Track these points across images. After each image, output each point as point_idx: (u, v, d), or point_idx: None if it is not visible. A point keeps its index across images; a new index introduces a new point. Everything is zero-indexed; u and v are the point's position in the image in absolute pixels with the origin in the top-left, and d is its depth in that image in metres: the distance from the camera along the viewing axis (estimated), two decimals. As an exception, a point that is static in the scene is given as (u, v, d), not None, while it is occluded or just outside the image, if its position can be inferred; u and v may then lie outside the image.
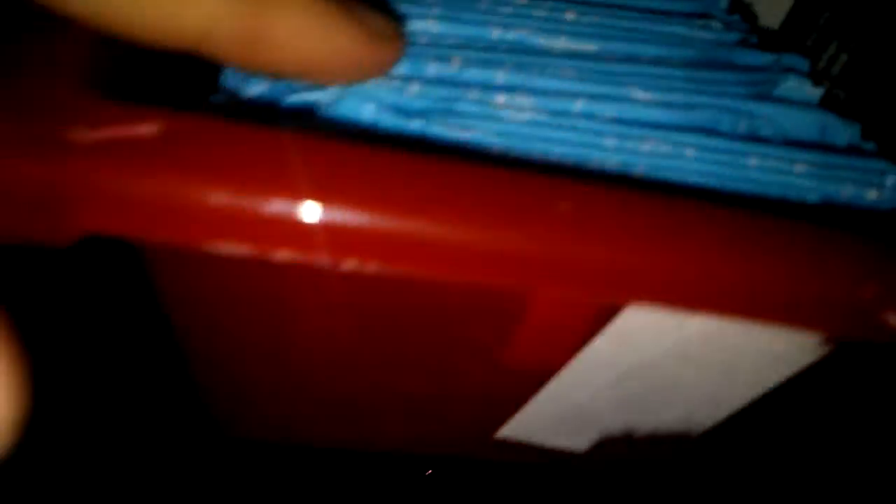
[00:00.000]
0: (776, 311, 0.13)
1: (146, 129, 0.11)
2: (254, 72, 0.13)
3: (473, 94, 0.16)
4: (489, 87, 0.16)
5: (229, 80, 0.16)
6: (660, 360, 0.18)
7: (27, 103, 0.11)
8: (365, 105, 0.15)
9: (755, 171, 0.16)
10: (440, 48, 0.17)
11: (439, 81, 0.16)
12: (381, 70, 0.15)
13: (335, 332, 0.17)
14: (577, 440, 0.23)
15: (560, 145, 0.15)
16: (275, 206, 0.11)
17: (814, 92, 0.19)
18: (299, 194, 0.11)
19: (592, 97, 0.17)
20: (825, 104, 0.19)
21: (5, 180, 0.11)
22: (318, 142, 0.12)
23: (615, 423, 0.22)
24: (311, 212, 0.11)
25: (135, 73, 0.14)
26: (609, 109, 0.17)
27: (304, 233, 0.11)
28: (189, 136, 0.11)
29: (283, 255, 0.11)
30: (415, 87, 0.16)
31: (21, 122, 0.11)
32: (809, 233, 0.13)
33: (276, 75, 0.13)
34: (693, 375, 0.19)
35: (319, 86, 0.15)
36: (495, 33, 0.18)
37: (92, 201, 0.11)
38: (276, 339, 0.17)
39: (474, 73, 0.16)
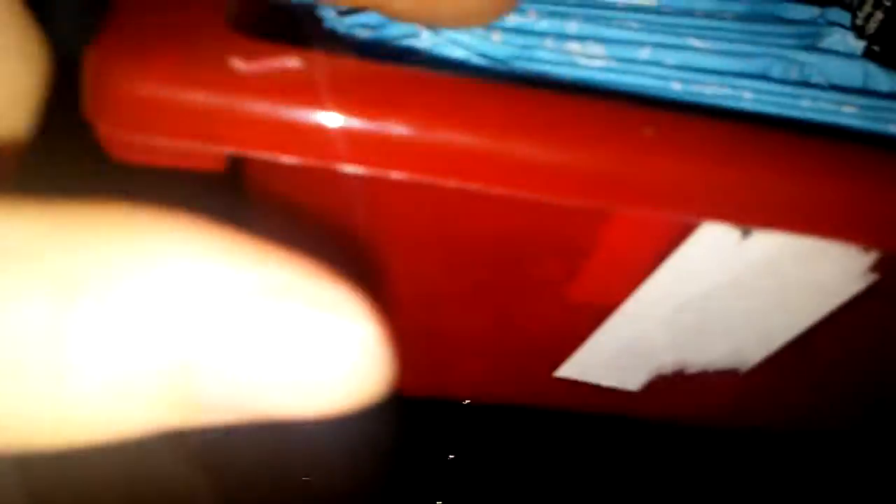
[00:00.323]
0: (834, 226, 0.14)
1: (287, 64, 0.13)
2: (417, 23, 0.15)
3: (549, 43, 0.17)
4: (562, 37, 0.18)
5: (341, 24, 0.17)
6: (716, 291, 0.19)
7: (186, 42, 0.13)
8: (456, 50, 0.16)
9: (808, 111, 0.18)
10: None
11: (518, 31, 0.18)
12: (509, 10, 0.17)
13: (420, 265, 0.19)
14: (632, 378, 0.24)
15: (632, 90, 0.17)
16: (396, 129, 0.13)
17: (857, 44, 0.20)
18: (415, 120, 0.13)
19: (656, 46, 0.18)
20: (866, 53, 0.20)
21: (171, 107, 0.12)
22: (429, 76, 0.13)
23: (668, 359, 0.23)
24: (428, 136, 0.13)
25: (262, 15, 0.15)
26: (672, 57, 0.18)
27: (421, 154, 0.13)
28: (321, 71, 0.13)
29: (395, 174, 0.13)
30: (497, 37, 0.17)
31: (183, 58, 0.12)
32: (862, 153, 0.15)
33: (432, 25, 0.15)
34: (746, 306, 0.20)
35: (417, 33, 0.16)
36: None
37: (245, 126, 0.12)
38: (369, 272, 0.19)
39: (549, 24, 0.18)
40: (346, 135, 0.13)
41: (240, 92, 0.12)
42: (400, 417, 0.24)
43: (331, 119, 0.12)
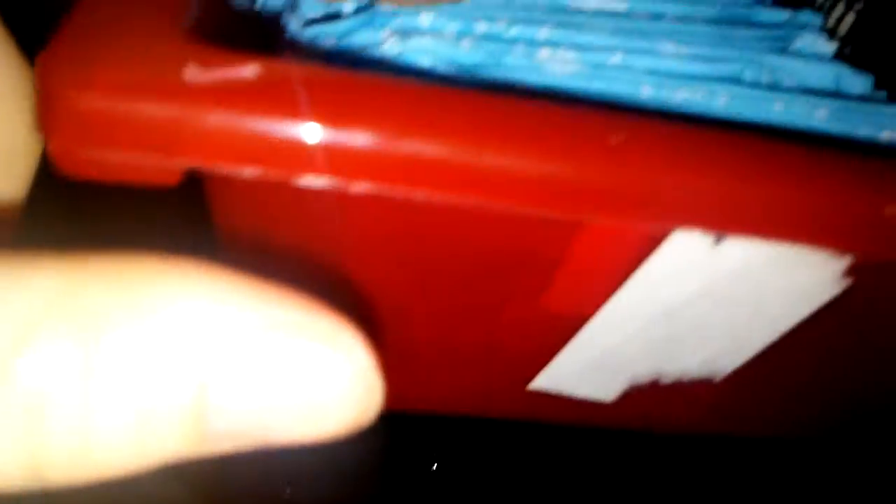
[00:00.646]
0: (807, 231, 0.14)
1: (246, 72, 0.12)
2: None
3: (520, 50, 0.17)
4: (533, 43, 0.17)
5: (305, 33, 0.17)
6: (689, 299, 0.19)
7: (139, 49, 0.12)
8: (423, 59, 0.16)
9: (780, 114, 0.17)
10: (486, 9, 0.18)
11: (488, 38, 0.17)
12: None
13: (390, 279, 0.18)
14: (606, 389, 0.24)
15: (603, 96, 0.17)
16: (359, 139, 0.12)
17: (828, 46, 0.20)
18: (379, 129, 0.12)
19: (628, 51, 0.18)
20: (838, 55, 0.20)
21: (122, 121, 0.12)
22: (393, 84, 0.13)
23: (642, 369, 0.23)
24: (388, 145, 0.13)
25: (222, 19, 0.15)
26: (643, 62, 0.18)
27: (385, 164, 0.13)
28: (283, 79, 0.12)
29: (361, 186, 0.13)
30: (466, 43, 0.17)
31: (134, 67, 0.12)
32: (836, 158, 0.15)
33: None
34: (720, 315, 0.20)
35: (383, 41, 0.16)
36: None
37: (201, 137, 0.12)
38: (339, 283, 0.19)
39: (519, 31, 0.17)
40: (306, 145, 0.12)
41: (194, 102, 0.12)
42: (379, 431, 0.23)
43: (290, 129, 0.12)
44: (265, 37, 0.18)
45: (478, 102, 0.13)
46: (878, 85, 0.20)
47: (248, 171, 0.12)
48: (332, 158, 0.12)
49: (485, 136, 0.13)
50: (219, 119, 0.12)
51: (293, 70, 0.12)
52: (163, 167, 0.12)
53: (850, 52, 0.23)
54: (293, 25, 0.17)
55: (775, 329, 0.19)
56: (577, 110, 0.13)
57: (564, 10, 0.19)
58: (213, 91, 0.12)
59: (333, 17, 0.18)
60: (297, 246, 0.17)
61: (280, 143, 0.12)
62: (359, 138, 0.12)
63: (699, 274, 0.18)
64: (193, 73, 0.12)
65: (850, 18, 0.23)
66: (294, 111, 0.12)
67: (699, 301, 0.19)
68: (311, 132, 0.12)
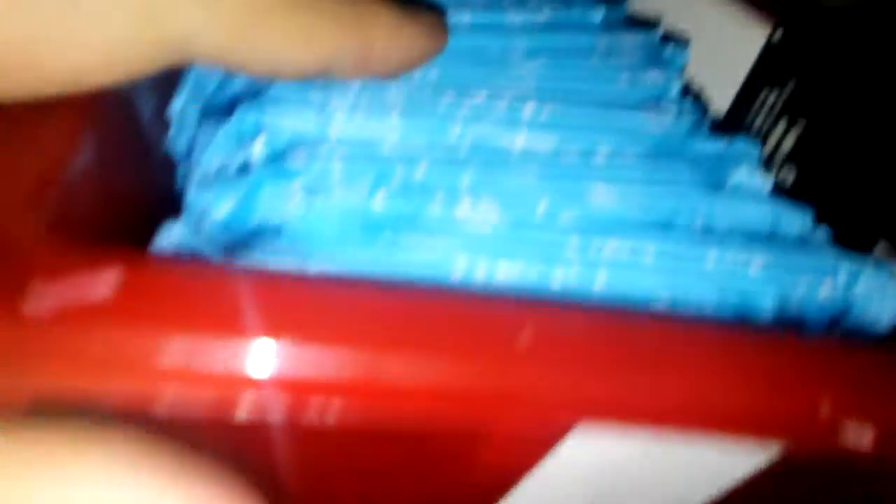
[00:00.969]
0: (728, 425, 0.13)
1: (104, 280, 0.11)
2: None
3: (438, 203, 0.16)
4: (454, 192, 0.16)
5: (194, 204, 0.16)
6: (603, 479, 0.18)
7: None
8: (330, 223, 0.15)
9: (712, 273, 0.17)
10: (404, 154, 0.17)
11: (405, 189, 0.16)
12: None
13: (308, 465, 0.17)
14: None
15: (522, 258, 0.16)
16: (227, 358, 0.11)
17: (765, 181, 0.20)
18: (252, 339, 0.11)
19: (555, 197, 0.17)
20: (777, 185, 0.20)
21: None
22: (273, 278, 0.12)
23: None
24: (266, 361, 0.11)
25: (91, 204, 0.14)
26: (570, 209, 0.17)
27: (260, 384, 0.11)
28: (148, 287, 0.11)
29: (239, 411, 0.11)
30: (381, 197, 0.16)
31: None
32: (764, 342, 0.14)
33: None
34: (634, 490, 0.19)
35: (285, 210, 0.15)
36: (455, 133, 0.18)
37: (47, 361, 0.11)
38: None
39: (439, 179, 0.16)
40: (166, 369, 0.11)
41: (36, 328, 0.10)
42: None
43: (147, 349, 0.11)
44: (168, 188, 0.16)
45: (373, 303, 0.12)
46: (820, 215, 0.20)
47: (104, 402, 0.11)
48: (197, 383, 0.11)
49: (376, 348, 0.12)
50: (60, 340, 0.10)
51: (160, 275, 0.11)
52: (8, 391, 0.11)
53: (793, 178, 0.22)
54: (194, 181, 0.16)
55: (713, 491, 0.18)
56: (483, 305, 0.12)
57: (492, 150, 0.18)
58: (59, 305, 0.11)
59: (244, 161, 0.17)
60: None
61: (137, 367, 0.11)
62: (224, 359, 0.11)
63: (609, 458, 0.17)
64: (36, 297, 0.10)
65: (790, 141, 0.22)
66: (151, 326, 0.11)
67: (612, 479, 0.18)
68: (167, 354, 0.11)
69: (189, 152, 0.19)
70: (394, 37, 0.16)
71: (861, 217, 0.21)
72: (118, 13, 0.11)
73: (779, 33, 0.23)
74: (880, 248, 0.21)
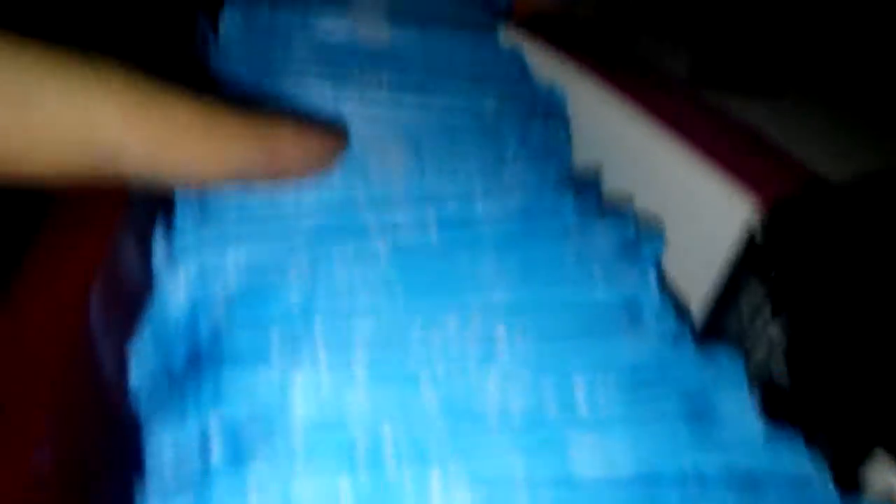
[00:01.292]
0: None
1: None
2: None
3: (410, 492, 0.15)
4: (423, 482, 0.15)
5: None
6: None
7: None
8: None
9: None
10: (372, 428, 0.16)
11: (372, 486, 0.15)
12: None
13: None
14: None
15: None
16: None
17: (752, 405, 0.19)
18: None
19: (530, 463, 0.16)
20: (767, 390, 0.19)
21: None
22: None
23: None
24: None
25: None
26: (546, 471, 0.16)
27: None
28: None
29: None
30: (346, 491, 0.15)
31: None
32: None
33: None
34: None
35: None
36: (427, 396, 0.17)
37: None
38: None
39: (407, 471, 0.16)
40: None
41: None
42: None
43: None
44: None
45: None
46: (809, 436, 0.19)
47: None
48: None
49: None
50: None
51: None
52: None
53: (784, 382, 0.21)
54: (151, 490, 0.15)
55: None
56: None
57: (465, 415, 0.17)
58: None
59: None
60: None
61: None
62: None
63: None
64: None
65: (778, 341, 0.22)
66: None
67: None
68: None
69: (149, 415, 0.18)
70: (297, 143, 0.17)
71: (858, 426, 0.20)
72: (64, 120, 0.13)
73: (765, 217, 0.21)
74: (878, 456, 0.21)
